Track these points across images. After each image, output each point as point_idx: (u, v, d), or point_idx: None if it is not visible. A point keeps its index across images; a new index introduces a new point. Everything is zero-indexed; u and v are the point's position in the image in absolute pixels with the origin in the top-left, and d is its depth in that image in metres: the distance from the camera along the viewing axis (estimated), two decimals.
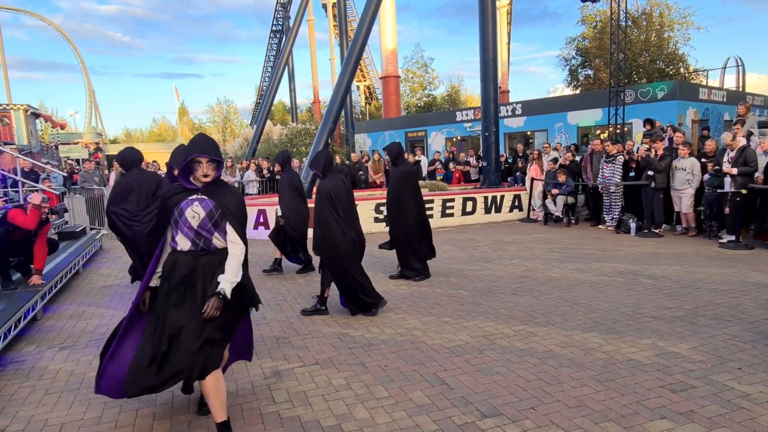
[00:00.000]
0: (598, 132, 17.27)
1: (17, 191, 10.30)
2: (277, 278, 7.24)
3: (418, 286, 6.55)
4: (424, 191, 12.02)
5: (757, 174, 8.23)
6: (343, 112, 24.03)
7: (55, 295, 6.46)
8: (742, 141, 8.47)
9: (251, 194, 14.63)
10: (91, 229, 10.81)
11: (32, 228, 5.70)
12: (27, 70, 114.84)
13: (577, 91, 33.59)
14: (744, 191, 8.20)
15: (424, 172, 15.90)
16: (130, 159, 5.80)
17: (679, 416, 3.11)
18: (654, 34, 30.64)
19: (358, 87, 45.79)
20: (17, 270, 6.14)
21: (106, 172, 14.83)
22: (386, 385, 3.69)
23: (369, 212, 11.34)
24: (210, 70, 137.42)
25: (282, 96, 46.76)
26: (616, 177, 10.28)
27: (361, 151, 23.34)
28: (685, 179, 9.13)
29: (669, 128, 11.32)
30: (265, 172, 15.39)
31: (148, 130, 75.11)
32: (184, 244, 2.92)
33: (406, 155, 15.92)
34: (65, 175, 15.48)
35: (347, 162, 17.73)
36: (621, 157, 10.39)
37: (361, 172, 15.91)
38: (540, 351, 4.22)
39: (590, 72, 34.16)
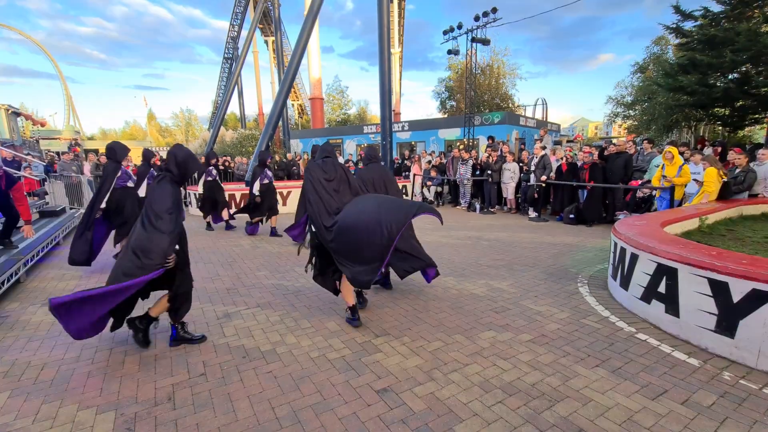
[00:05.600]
0: (458, 144, 18.10)
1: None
2: (228, 241, 6.83)
3: None
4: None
5: (551, 174, 9.09)
6: (280, 123, 22.92)
7: (38, 262, 5.59)
8: (541, 152, 9.29)
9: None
10: (71, 208, 9.43)
11: None
12: (10, 76, 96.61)
13: (445, 116, 34.74)
14: (543, 184, 9.03)
15: None
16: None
17: (500, 328, 3.39)
18: (494, 80, 32.43)
19: (292, 104, 43.75)
20: None
21: (84, 162, 12.83)
22: (309, 319, 3.65)
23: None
24: (175, 85, 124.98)
25: (233, 108, 43.49)
26: (468, 174, 10.80)
27: (295, 152, 22.48)
28: (510, 176, 9.83)
29: (501, 143, 12.11)
30: (220, 166, 14.39)
31: (121, 130, 66.53)
32: None
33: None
34: (45, 164, 13.25)
35: (285, 159, 17.02)
36: (471, 161, 10.95)
37: (294, 167, 15.37)
38: (415, 290, 4.35)
39: (453, 103, 35.35)
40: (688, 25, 14.01)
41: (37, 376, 2.76)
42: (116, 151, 5.08)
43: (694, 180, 6.39)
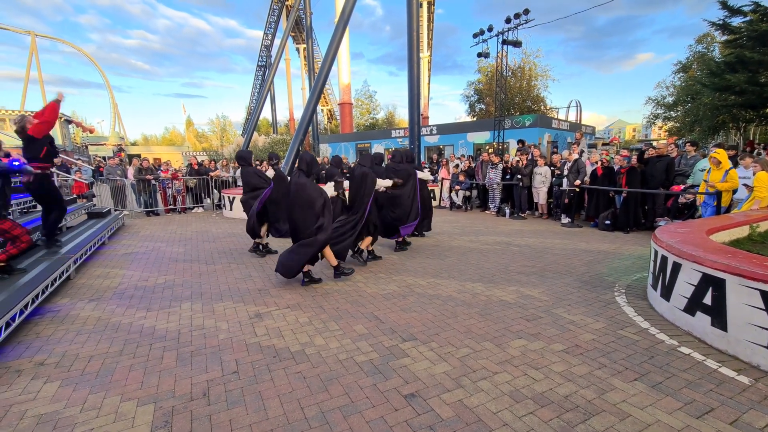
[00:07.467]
0: (487, 147, 17.83)
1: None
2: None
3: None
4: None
5: (585, 178, 8.79)
6: (310, 128, 23.41)
7: (86, 261, 5.97)
8: (575, 156, 9.00)
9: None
10: (115, 210, 10.00)
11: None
12: (63, 86, 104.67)
13: (474, 119, 34.41)
14: (577, 189, 8.74)
15: None
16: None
17: (531, 336, 3.30)
18: (525, 82, 31.82)
19: (322, 110, 44.61)
20: (44, 245, 5.52)
21: (128, 167, 13.65)
22: (337, 321, 3.68)
23: None
24: (212, 93, 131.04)
25: (266, 113, 44.79)
26: (497, 178, 10.62)
27: (324, 156, 22.89)
28: (541, 180, 9.60)
29: (531, 146, 11.85)
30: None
31: (161, 136, 70.14)
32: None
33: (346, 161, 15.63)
34: (93, 168, 14.14)
35: None
36: (501, 164, 10.76)
37: (323, 171, 15.68)
38: (443, 296, 4.31)
39: (483, 106, 35.03)
40: (737, 21, 13.21)
41: (84, 367, 2.93)
42: (246, 158, 6.15)
43: (744, 185, 5.99)
